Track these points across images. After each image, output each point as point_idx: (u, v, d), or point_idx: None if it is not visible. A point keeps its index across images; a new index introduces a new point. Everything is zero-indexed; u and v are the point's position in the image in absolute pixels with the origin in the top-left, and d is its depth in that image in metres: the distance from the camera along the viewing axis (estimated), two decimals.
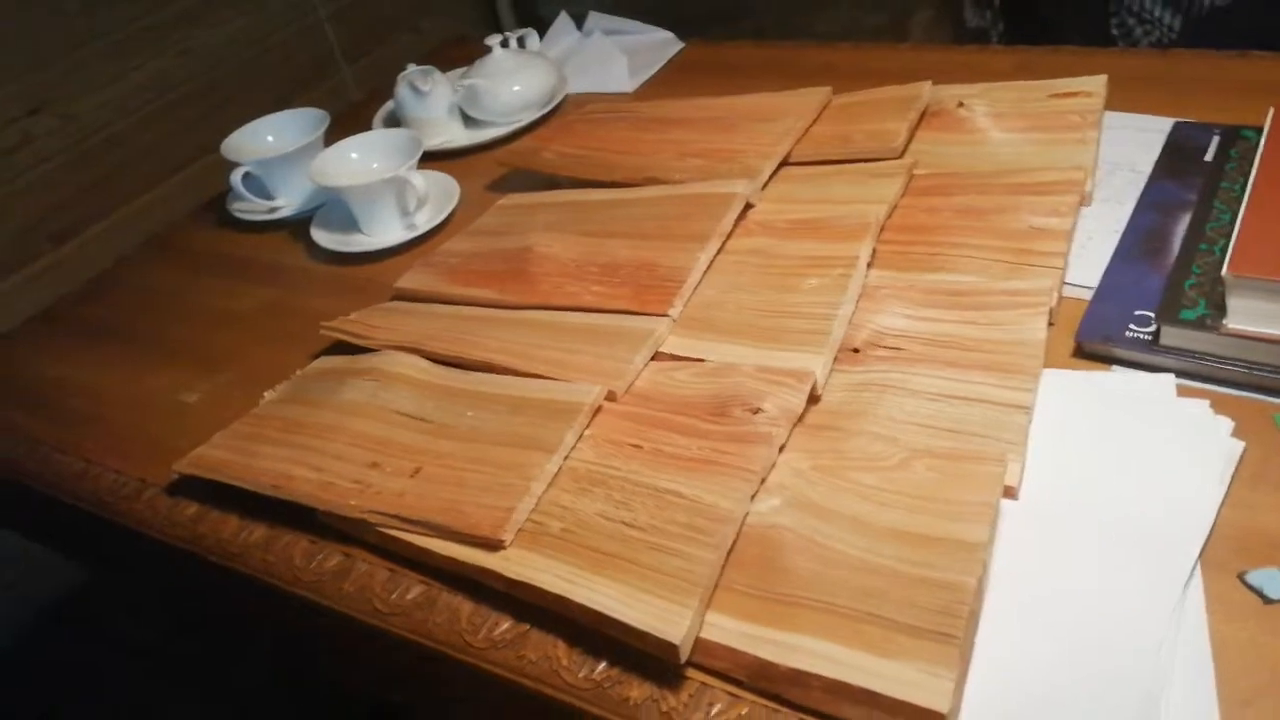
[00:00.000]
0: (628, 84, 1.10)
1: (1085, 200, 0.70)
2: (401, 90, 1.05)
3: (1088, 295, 0.62)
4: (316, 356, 0.75)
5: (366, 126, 1.06)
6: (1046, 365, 0.57)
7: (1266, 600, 0.44)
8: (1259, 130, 0.67)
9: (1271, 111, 0.67)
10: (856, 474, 0.52)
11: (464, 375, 0.66)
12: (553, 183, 0.89)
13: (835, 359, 0.60)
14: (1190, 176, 0.69)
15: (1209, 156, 0.70)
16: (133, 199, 1.37)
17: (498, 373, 0.65)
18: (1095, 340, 0.58)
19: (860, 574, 0.46)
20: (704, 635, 0.46)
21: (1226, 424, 0.51)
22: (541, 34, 1.19)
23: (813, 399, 0.57)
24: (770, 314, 0.63)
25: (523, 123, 1.05)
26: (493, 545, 0.52)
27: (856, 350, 0.61)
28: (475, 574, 0.53)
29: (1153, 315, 0.58)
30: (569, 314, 0.69)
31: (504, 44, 1.07)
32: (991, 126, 0.78)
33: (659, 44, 1.18)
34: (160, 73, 1.38)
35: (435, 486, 0.57)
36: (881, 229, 0.69)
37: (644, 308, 0.66)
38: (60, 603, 1.32)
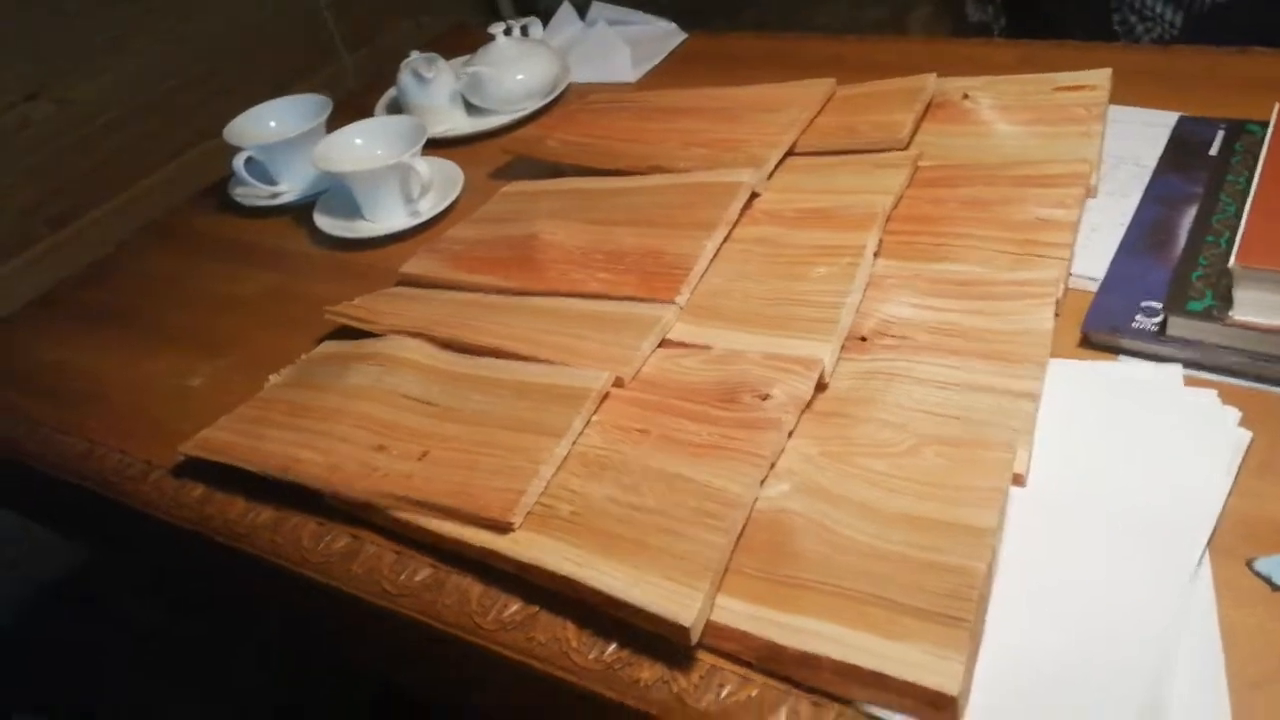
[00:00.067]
0: (630, 74, 1.10)
1: (1090, 193, 0.70)
2: (405, 77, 1.05)
3: (1093, 287, 0.62)
4: (320, 341, 0.75)
5: (368, 114, 1.06)
6: (1053, 356, 0.57)
7: (1274, 587, 0.44)
8: (1264, 125, 0.67)
9: (1278, 106, 0.67)
10: (865, 460, 0.52)
11: (470, 360, 0.66)
12: (556, 171, 0.88)
13: (843, 347, 0.60)
14: (1195, 170, 0.69)
15: (1214, 150, 0.71)
16: (131, 184, 1.36)
17: (504, 358, 0.65)
18: (1102, 330, 0.58)
19: (869, 559, 0.47)
20: (714, 618, 0.46)
21: (1234, 414, 0.52)
22: (542, 25, 1.19)
23: (820, 387, 0.57)
24: (777, 302, 0.63)
25: (526, 111, 1.05)
26: (502, 528, 0.52)
27: (864, 339, 0.61)
28: (484, 556, 0.53)
29: (1159, 306, 0.58)
30: (575, 300, 0.69)
31: (507, 32, 1.07)
32: (996, 119, 0.78)
33: (662, 35, 1.18)
34: (159, 59, 1.38)
35: (443, 469, 0.57)
36: (887, 219, 0.69)
37: (651, 294, 0.66)
38: (61, 582, 1.32)
